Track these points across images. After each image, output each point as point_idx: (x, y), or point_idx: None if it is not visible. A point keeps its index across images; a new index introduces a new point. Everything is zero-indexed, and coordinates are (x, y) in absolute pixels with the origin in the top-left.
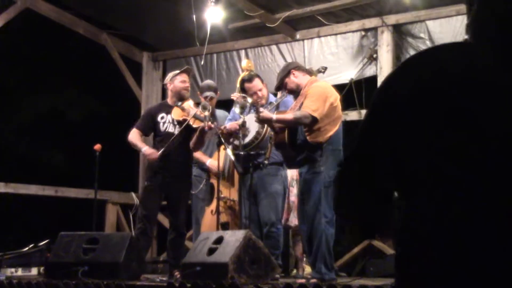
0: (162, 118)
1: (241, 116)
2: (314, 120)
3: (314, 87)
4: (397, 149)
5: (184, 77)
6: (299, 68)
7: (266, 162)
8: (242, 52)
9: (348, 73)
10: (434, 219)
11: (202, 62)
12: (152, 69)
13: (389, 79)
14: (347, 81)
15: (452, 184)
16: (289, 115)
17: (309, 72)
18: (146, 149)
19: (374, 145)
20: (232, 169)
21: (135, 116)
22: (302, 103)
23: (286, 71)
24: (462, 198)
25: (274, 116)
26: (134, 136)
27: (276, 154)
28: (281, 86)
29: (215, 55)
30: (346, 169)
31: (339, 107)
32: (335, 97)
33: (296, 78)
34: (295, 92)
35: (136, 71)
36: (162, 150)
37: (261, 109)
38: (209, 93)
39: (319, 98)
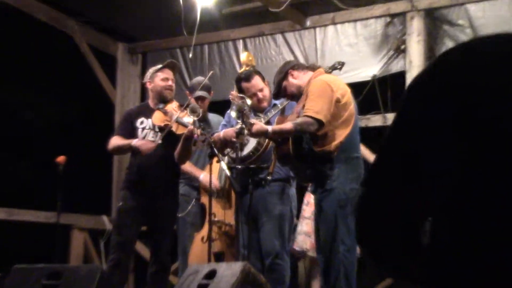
0: (141, 123)
1: (238, 121)
2: (320, 124)
3: (313, 83)
4: (435, 162)
5: (168, 73)
6: (297, 66)
7: (269, 178)
8: (240, 43)
9: (370, 69)
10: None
11: (191, 55)
12: (128, 63)
13: (421, 79)
14: (369, 79)
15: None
16: (288, 125)
17: (312, 68)
18: (136, 141)
19: (406, 158)
20: (228, 187)
21: (107, 121)
22: (304, 104)
23: (283, 74)
24: None
25: (270, 128)
26: (115, 140)
27: (282, 168)
28: (279, 91)
29: (206, 47)
30: (368, 192)
31: (350, 103)
32: (343, 91)
33: (296, 79)
34: (297, 96)
35: (109, 66)
36: (140, 162)
37: (252, 120)
38: (200, 93)
39: (321, 95)
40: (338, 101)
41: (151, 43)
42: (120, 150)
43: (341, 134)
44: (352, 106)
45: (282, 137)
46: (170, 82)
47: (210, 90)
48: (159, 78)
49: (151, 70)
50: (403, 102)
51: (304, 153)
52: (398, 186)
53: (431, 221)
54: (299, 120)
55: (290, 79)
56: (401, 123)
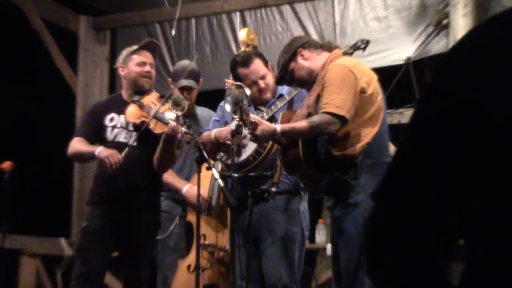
0: (111, 120)
1: (235, 117)
2: (343, 121)
3: (332, 69)
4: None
5: (146, 56)
6: (309, 45)
7: (273, 189)
8: (237, 17)
9: (404, 49)
10: None
11: (174, 32)
12: (93, 42)
13: (458, 50)
14: (401, 62)
15: None
16: (301, 124)
17: (328, 47)
18: (101, 151)
19: (435, 160)
20: (221, 201)
21: (66, 117)
22: (318, 95)
23: (290, 53)
24: None
25: (279, 127)
26: (77, 144)
27: (289, 177)
28: (284, 76)
29: (193, 21)
30: (385, 206)
31: (378, 94)
32: (368, 79)
33: (307, 61)
34: (308, 82)
35: (69, 45)
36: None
37: (254, 117)
38: (186, 82)
39: (342, 84)
40: (363, 91)
41: (123, 16)
42: (81, 157)
43: (367, 134)
44: (380, 98)
45: (293, 137)
46: (148, 68)
47: (199, 77)
48: (135, 62)
49: (124, 52)
50: (431, 85)
51: (319, 159)
52: (426, 199)
53: (471, 242)
54: (317, 118)
55: (300, 60)
56: (435, 116)
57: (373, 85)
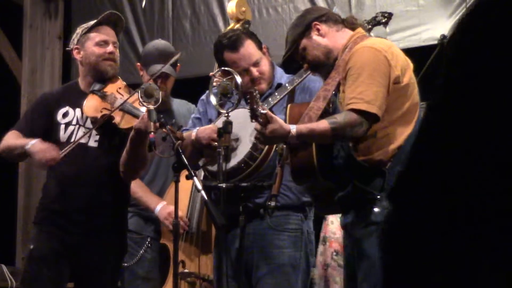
0: (64, 115)
1: (222, 111)
2: (374, 121)
3: (360, 52)
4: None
5: (107, 33)
6: (327, 18)
7: (271, 204)
8: None
9: (436, 26)
10: None
11: (144, 3)
12: (42, 17)
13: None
14: (434, 42)
15: None
16: (322, 125)
17: (351, 23)
18: (35, 144)
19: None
20: (205, 219)
21: (7, 112)
22: (339, 84)
23: (303, 26)
24: None
25: (294, 128)
26: (10, 138)
27: (292, 188)
28: (293, 55)
29: None
30: (404, 209)
31: (414, 86)
32: (404, 66)
33: (324, 38)
34: (324, 65)
35: (11, 21)
36: (63, 179)
37: (263, 108)
38: (160, 67)
39: (374, 73)
40: (397, 81)
41: None
42: (10, 153)
43: (399, 135)
44: (417, 91)
45: (308, 140)
46: (111, 48)
47: (176, 62)
48: (93, 41)
49: (79, 30)
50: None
51: (337, 164)
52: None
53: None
54: (341, 118)
55: (315, 36)
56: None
57: (409, 74)
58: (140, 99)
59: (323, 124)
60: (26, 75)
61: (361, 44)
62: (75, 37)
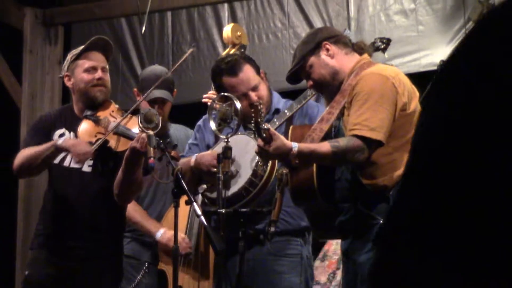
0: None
1: (222, 137)
2: (377, 147)
3: (367, 78)
4: None
5: (95, 59)
6: (338, 40)
7: (272, 229)
8: (225, 9)
9: (437, 51)
10: None
11: (144, 29)
12: (42, 42)
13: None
14: (433, 68)
15: None
16: (324, 148)
17: (360, 48)
18: (66, 138)
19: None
20: (203, 244)
21: (7, 137)
22: (343, 108)
23: (313, 44)
24: None
25: (295, 146)
26: (25, 151)
27: (292, 214)
28: (300, 72)
29: (169, 15)
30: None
31: (419, 111)
32: (410, 93)
33: (332, 58)
34: (328, 85)
35: (11, 46)
36: (60, 204)
37: (267, 125)
38: (158, 93)
39: (381, 100)
40: (404, 108)
41: (78, 8)
42: (34, 162)
43: (404, 161)
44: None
45: (309, 161)
46: (99, 73)
47: (173, 87)
48: (82, 68)
49: (69, 57)
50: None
51: (340, 188)
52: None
53: None
54: (343, 142)
55: (323, 55)
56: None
57: (415, 102)
58: (140, 125)
59: (325, 147)
60: (26, 100)
61: (369, 70)
62: (65, 64)
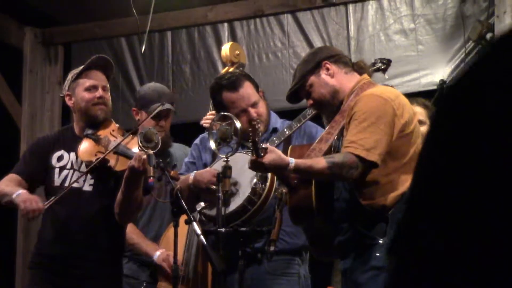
0: (59, 159)
1: (221, 156)
2: (372, 167)
3: (366, 99)
4: None
5: (96, 78)
6: (338, 59)
7: (271, 248)
8: (224, 28)
9: (437, 71)
10: None
11: (144, 48)
12: (42, 62)
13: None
14: (433, 87)
15: None
16: (320, 164)
17: (360, 67)
18: (21, 194)
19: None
20: (201, 264)
21: (7, 157)
22: (343, 128)
23: (313, 63)
24: None
25: (292, 161)
26: (4, 182)
27: (290, 233)
28: (300, 91)
29: (169, 34)
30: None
31: (418, 135)
32: (410, 115)
33: (332, 78)
34: (328, 105)
35: (10, 66)
36: (58, 224)
37: (265, 145)
38: (161, 109)
39: (378, 121)
40: (402, 129)
41: (78, 28)
42: (1, 199)
43: (403, 182)
44: (421, 139)
45: (306, 176)
46: (99, 92)
47: (173, 104)
48: (83, 87)
49: (69, 76)
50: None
51: (339, 208)
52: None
53: None
54: (339, 158)
55: (323, 74)
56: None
57: (414, 123)
58: (140, 144)
59: (322, 163)
60: (26, 119)
61: (369, 91)
62: (66, 83)
